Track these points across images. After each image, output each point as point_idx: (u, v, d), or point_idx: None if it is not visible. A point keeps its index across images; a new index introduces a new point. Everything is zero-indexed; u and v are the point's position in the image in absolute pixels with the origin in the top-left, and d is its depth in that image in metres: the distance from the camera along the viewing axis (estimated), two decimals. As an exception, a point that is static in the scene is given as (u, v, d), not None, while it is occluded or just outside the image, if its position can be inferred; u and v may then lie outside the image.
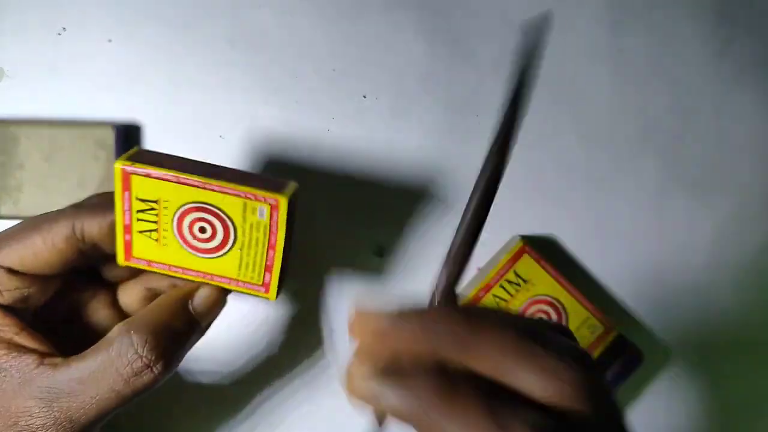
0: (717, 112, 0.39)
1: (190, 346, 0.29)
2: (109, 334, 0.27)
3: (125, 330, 0.27)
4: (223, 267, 0.29)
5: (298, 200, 0.29)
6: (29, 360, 0.27)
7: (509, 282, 0.36)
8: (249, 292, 0.30)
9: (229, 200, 0.28)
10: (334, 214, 0.38)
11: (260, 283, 0.30)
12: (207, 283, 0.29)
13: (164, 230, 0.29)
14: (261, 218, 0.28)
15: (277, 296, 0.30)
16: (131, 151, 0.28)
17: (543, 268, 0.36)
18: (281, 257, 0.29)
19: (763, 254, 0.40)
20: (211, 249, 0.29)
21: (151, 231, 0.29)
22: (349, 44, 0.38)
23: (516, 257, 0.36)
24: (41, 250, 0.28)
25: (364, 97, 0.38)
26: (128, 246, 0.29)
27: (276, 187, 0.28)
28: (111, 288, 0.32)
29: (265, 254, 0.29)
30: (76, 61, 0.36)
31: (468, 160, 0.38)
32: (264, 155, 0.37)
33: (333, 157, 0.38)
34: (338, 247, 0.38)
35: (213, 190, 0.28)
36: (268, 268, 0.29)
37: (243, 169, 0.28)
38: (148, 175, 0.27)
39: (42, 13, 0.36)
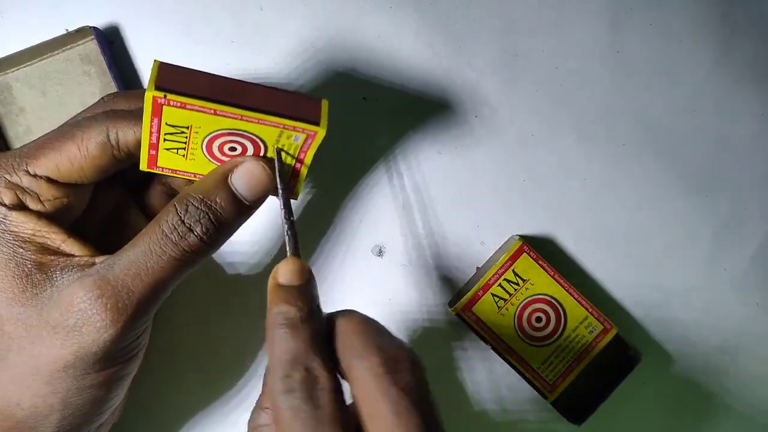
0: (717, 112, 0.39)
1: (235, 224, 0.29)
2: (158, 215, 0.28)
3: (170, 204, 0.28)
4: None
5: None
6: (81, 262, 0.27)
7: (508, 281, 0.36)
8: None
9: (265, 129, 0.27)
10: (334, 215, 0.38)
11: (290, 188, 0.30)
12: (247, 158, 0.29)
13: (193, 149, 0.28)
14: (295, 141, 0.28)
15: (296, 197, 0.30)
16: (155, 71, 0.26)
17: (542, 267, 0.36)
18: (306, 171, 0.29)
19: (764, 255, 0.40)
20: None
21: (178, 149, 0.28)
22: (349, 45, 0.38)
23: (515, 257, 0.36)
24: (77, 158, 0.28)
25: (365, 99, 0.38)
26: (153, 158, 0.29)
27: (311, 112, 0.27)
28: (136, 192, 0.32)
29: (292, 167, 0.29)
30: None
31: (468, 160, 0.38)
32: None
33: (333, 157, 0.38)
34: (339, 247, 0.38)
35: (250, 121, 0.27)
36: (294, 175, 0.30)
37: (270, 86, 0.27)
38: (182, 106, 0.26)
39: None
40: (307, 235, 0.38)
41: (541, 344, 0.36)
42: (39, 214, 0.28)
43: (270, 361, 0.25)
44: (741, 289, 0.40)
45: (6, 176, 0.28)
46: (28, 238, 0.27)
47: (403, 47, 0.38)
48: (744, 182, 0.39)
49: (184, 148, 0.28)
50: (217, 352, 0.37)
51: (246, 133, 0.27)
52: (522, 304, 0.36)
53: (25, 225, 0.27)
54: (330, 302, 0.38)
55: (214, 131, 0.27)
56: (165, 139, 0.28)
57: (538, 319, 0.36)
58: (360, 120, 0.38)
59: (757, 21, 0.39)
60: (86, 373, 0.27)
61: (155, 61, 0.26)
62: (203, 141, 0.28)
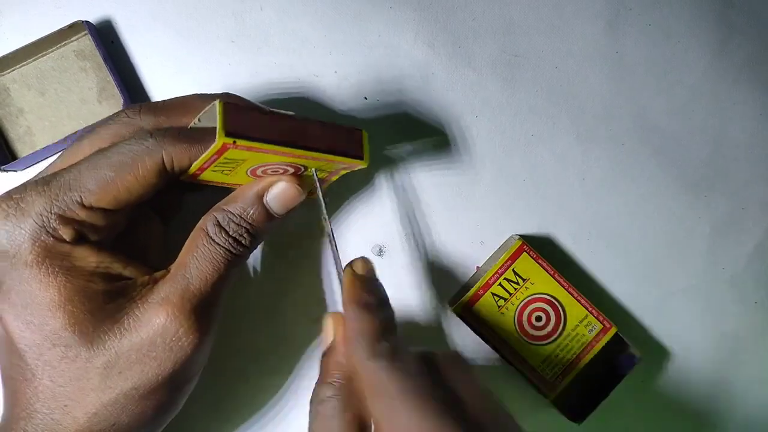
0: (715, 112, 0.39)
1: (266, 232, 0.31)
2: (198, 224, 0.29)
3: (209, 214, 0.29)
4: None
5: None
6: (144, 282, 0.28)
7: (508, 280, 0.36)
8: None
9: (312, 161, 0.29)
10: (335, 215, 0.38)
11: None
12: (282, 179, 0.30)
13: (237, 173, 0.30)
14: (336, 166, 0.31)
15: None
16: (221, 113, 0.26)
17: (541, 266, 0.36)
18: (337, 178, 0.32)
19: (762, 253, 0.40)
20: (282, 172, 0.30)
21: (223, 171, 0.30)
22: (350, 46, 0.38)
23: (515, 256, 0.36)
24: (134, 187, 0.28)
25: (365, 98, 0.38)
26: (195, 176, 0.30)
27: (354, 146, 0.30)
28: (158, 205, 0.33)
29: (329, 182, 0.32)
30: None
31: (468, 159, 0.38)
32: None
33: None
34: (339, 246, 0.38)
35: (303, 158, 0.29)
36: (322, 182, 0.32)
37: (321, 121, 0.29)
38: (248, 150, 0.27)
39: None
40: (308, 234, 0.38)
41: (541, 343, 0.36)
42: (99, 244, 0.28)
43: (351, 337, 0.28)
44: (739, 287, 0.40)
45: (61, 213, 0.27)
46: (94, 270, 0.27)
47: (404, 47, 0.38)
48: (742, 181, 0.40)
49: (229, 172, 0.30)
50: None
51: (293, 163, 0.29)
52: (522, 304, 0.36)
53: (89, 258, 0.27)
54: (330, 303, 0.38)
55: (266, 163, 0.29)
56: (214, 169, 0.29)
57: (538, 318, 0.36)
58: (360, 120, 0.38)
59: (754, 21, 0.40)
60: (180, 383, 0.29)
61: (220, 102, 0.27)
62: (248, 169, 0.29)
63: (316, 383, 0.30)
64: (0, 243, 0.26)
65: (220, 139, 0.26)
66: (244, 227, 0.29)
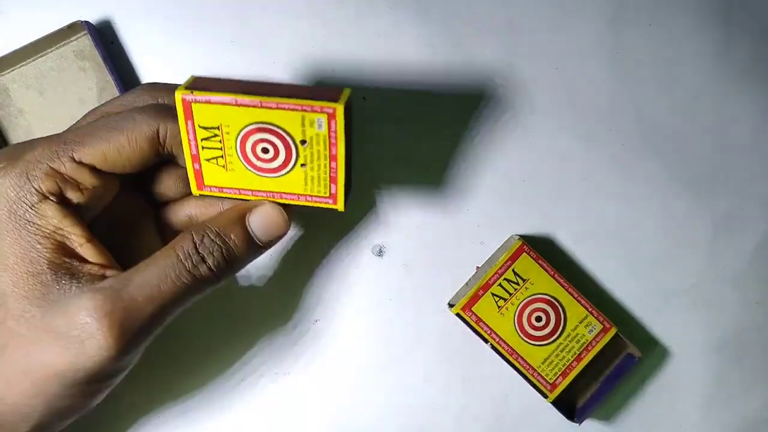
0: (717, 112, 0.39)
1: (245, 261, 0.30)
2: (175, 240, 0.28)
3: (187, 232, 0.28)
4: (290, 184, 0.30)
5: (352, 107, 0.29)
6: (92, 271, 0.27)
7: (508, 281, 0.36)
8: (318, 205, 0.30)
9: (287, 116, 0.28)
10: (335, 214, 0.38)
11: (327, 195, 0.30)
12: (267, 202, 0.30)
13: (229, 155, 0.29)
14: (320, 130, 0.28)
15: (344, 206, 0.30)
16: (188, 81, 0.28)
17: (541, 266, 0.36)
18: (344, 167, 0.29)
19: (764, 253, 0.40)
20: (275, 168, 0.29)
21: (217, 158, 0.29)
22: (349, 45, 0.38)
23: (515, 256, 0.36)
24: (125, 149, 0.28)
25: (364, 99, 0.38)
26: (199, 175, 0.29)
27: (330, 97, 0.28)
28: (155, 207, 0.32)
29: (328, 166, 0.29)
30: None
31: (468, 159, 0.38)
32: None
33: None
34: (339, 246, 0.38)
35: (270, 108, 0.28)
36: (332, 180, 0.30)
37: (296, 83, 0.29)
38: (208, 101, 0.27)
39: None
40: (308, 234, 0.38)
41: (541, 343, 0.36)
42: (67, 209, 0.27)
43: None
44: (741, 287, 0.40)
45: (49, 162, 0.27)
46: (49, 234, 0.27)
47: (403, 47, 0.38)
48: (744, 181, 0.40)
49: (222, 156, 0.29)
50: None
51: (272, 127, 0.28)
52: (522, 304, 0.36)
53: (51, 219, 0.27)
54: (329, 303, 0.38)
55: (242, 128, 0.28)
56: (202, 147, 0.28)
57: (538, 319, 0.36)
58: (360, 119, 0.38)
59: (757, 20, 0.39)
60: (76, 383, 0.26)
61: (191, 75, 0.28)
62: (236, 142, 0.28)
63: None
64: None
65: (178, 93, 0.27)
66: (219, 248, 0.28)
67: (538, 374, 0.36)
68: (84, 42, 0.35)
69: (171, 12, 0.37)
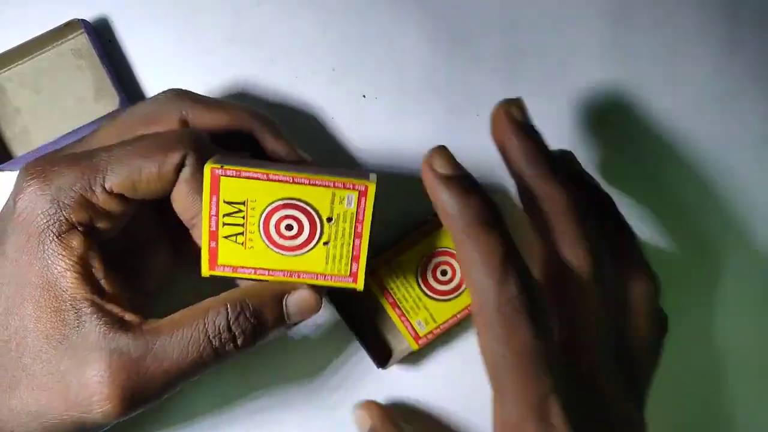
0: (722, 111, 0.39)
1: (273, 337, 0.29)
2: (202, 303, 0.27)
3: (222, 302, 0.27)
4: (310, 263, 0.29)
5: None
6: (113, 311, 0.26)
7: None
8: (336, 284, 0.29)
9: (317, 192, 0.28)
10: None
11: (347, 274, 0.29)
12: (306, 285, 0.29)
13: (251, 232, 0.28)
14: (348, 207, 0.28)
15: (363, 285, 0.30)
16: (215, 157, 0.28)
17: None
18: (367, 245, 0.29)
19: (765, 255, 0.39)
20: (297, 246, 0.29)
21: (237, 235, 0.28)
22: (349, 42, 0.37)
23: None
24: (153, 179, 0.27)
25: (364, 96, 0.38)
26: (214, 253, 0.28)
27: (360, 176, 0.28)
28: (171, 233, 0.32)
29: (351, 244, 0.29)
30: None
31: (468, 159, 0.38)
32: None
33: (332, 155, 0.37)
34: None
35: (302, 183, 0.28)
36: (355, 258, 0.29)
37: (318, 165, 0.29)
38: (237, 175, 0.27)
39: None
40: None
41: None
42: (91, 238, 0.27)
43: (472, 268, 0.24)
44: (742, 290, 0.39)
45: (82, 191, 0.26)
46: (73, 265, 0.26)
47: (405, 44, 0.38)
48: (751, 183, 0.39)
49: (242, 233, 0.28)
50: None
51: (299, 203, 0.28)
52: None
53: (76, 250, 0.26)
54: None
55: (269, 203, 0.28)
56: (224, 224, 0.28)
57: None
58: (359, 118, 0.37)
59: (763, 18, 0.39)
60: (78, 430, 0.27)
61: (216, 155, 0.28)
62: (260, 219, 0.28)
63: None
64: (16, 205, 0.26)
65: (207, 165, 0.27)
66: (252, 326, 0.27)
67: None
68: (81, 40, 0.35)
69: (168, 10, 0.37)
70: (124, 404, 0.25)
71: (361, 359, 0.37)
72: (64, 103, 0.35)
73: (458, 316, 0.35)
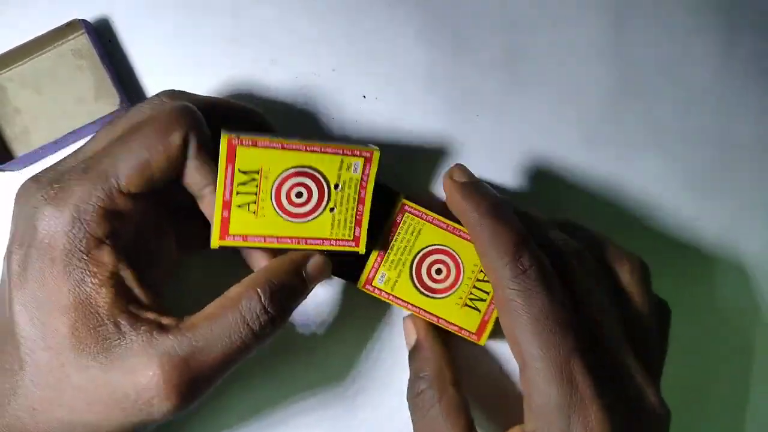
0: (721, 111, 0.39)
1: (299, 304, 0.30)
2: (230, 292, 0.28)
3: (251, 287, 0.28)
4: (317, 229, 0.31)
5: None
6: (150, 317, 0.26)
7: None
8: (340, 248, 0.31)
9: (328, 160, 0.30)
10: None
11: (351, 237, 0.31)
12: (316, 252, 0.30)
13: (263, 200, 0.29)
14: (354, 173, 0.30)
15: (364, 249, 0.31)
16: (226, 129, 0.29)
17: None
18: (369, 209, 0.31)
19: (765, 255, 0.40)
20: (306, 213, 0.30)
21: (249, 203, 0.29)
22: (349, 43, 0.37)
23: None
24: (164, 166, 0.27)
25: (364, 97, 0.38)
26: (226, 222, 0.29)
27: (365, 146, 0.31)
28: (171, 219, 0.31)
29: (355, 209, 0.31)
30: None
31: (468, 158, 0.38)
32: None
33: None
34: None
35: (314, 151, 0.29)
36: (358, 222, 0.31)
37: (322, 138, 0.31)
38: (254, 144, 0.28)
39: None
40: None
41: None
42: (119, 248, 0.27)
43: (488, 253, 0.28)
44: (741, 290, 0.39)
45: (100, 203, 0.26)
46: (106, 280, 0.26)
47: (404, 45, 0.38)
48: (749, 181, 0.39)
49: (255, 201, 0.29)
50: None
51: (310, 170, 0.30)
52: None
53: (108, 265, 0.26)
54: (328, 301, 0.38)
55: (282, 171, 0.29)
56: (237, 192, 0.29)
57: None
58: (359, 118, 0.37)
59: (762, 18, 0.39)
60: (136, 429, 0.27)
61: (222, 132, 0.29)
62: (272, 188, 0.29)
63: (409, 380, 0.33)
64: (37, 230, 0.26)
65: (224, 136, 0.28)
66: (285, 302, 0.28)
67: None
68: (81, 40, 0.35)
69: (169, 10, 0.37)
70: (183, 399, 0.26)
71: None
72: (64, 103, 0.35)
73: (417, 307, 0.34)
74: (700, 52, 0.39)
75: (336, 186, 0.30)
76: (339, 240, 0.31)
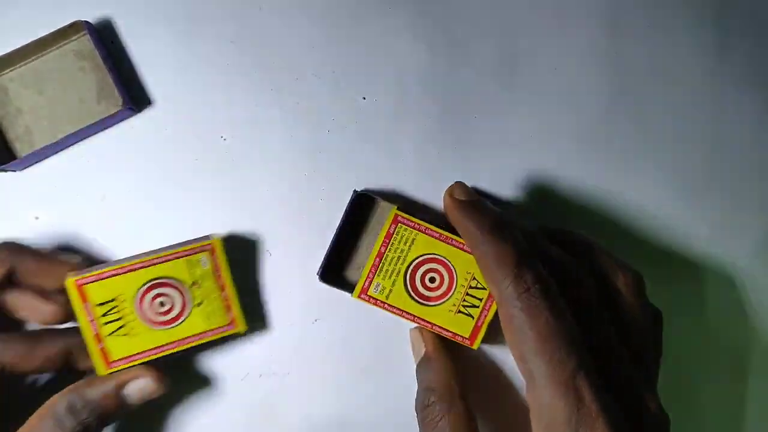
0: (715, 114, 0.39)
1: (113, 419, 0.31)
2: (48, 402, 0.29)
3: (63, 397, 0.30)
4: (192, 327, 0.33)
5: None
6: None
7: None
8: (222, 335, 0.33)
9: (174, 265, 0.32)
10: (334, 215, 0.38)
11: (227, 323, 0.33)
12: (142, 373, 0.31)
13: (131, 320, 0.31)
14: (205, 267, 0.32)
15: (245, 324, 0.34)
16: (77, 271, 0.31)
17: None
18: (234, 291, 0.33)
19: (761, 256, 0.40)
20: (175, 317, 0.32)
21: (118, 329, 0.31)
22: (348, 46, 0.38)
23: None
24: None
25: (364, 98, 0.38)
26: (105, 353, 0.31)
27: (202, 239, 0.33)
28: None
29: (220, 297, 0.33)
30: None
31: (466, 162, 0.38)
32: (264, 156, 0.37)
33: (332, 157, 0.37)
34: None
35: (159, 263, 0.31)
36: (228, 308, 0.33)
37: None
38: (99, 278, 0.31)
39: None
40: (306, 233, 0.38)
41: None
42: None
43: (492, 271, 0.29)
44: (741, 291, 0.40)
45: None
46: None
47: (403, 47, 0.38)
48: (741, 184, 0.39)
49: (123, 325, 0.31)
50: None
51: (165, 280, 0.32)
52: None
53: None
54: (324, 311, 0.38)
55: (137, 290, 0.31)
56: (103, 323, 0.31)
57: (432, 280, 0.33)
58: (359, 119, 0.38)
59: (753, 23, 0.39)
60: None
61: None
62: (134, 304, 0.31)
63: (417, 392, 0.33)
64: None
65: (70, 279, 0.30)
66: (97, 413, 0.30)
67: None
68: (84, 42, 0.35)
69: (171, 12, 0.37)
70: None
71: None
72: (66, 104, 0.35)
73: (408, 314, 0.34)
74: (694, 56, 0.39)
75: (194, 284, 0.32)
76: (218, 328, 0.33)
